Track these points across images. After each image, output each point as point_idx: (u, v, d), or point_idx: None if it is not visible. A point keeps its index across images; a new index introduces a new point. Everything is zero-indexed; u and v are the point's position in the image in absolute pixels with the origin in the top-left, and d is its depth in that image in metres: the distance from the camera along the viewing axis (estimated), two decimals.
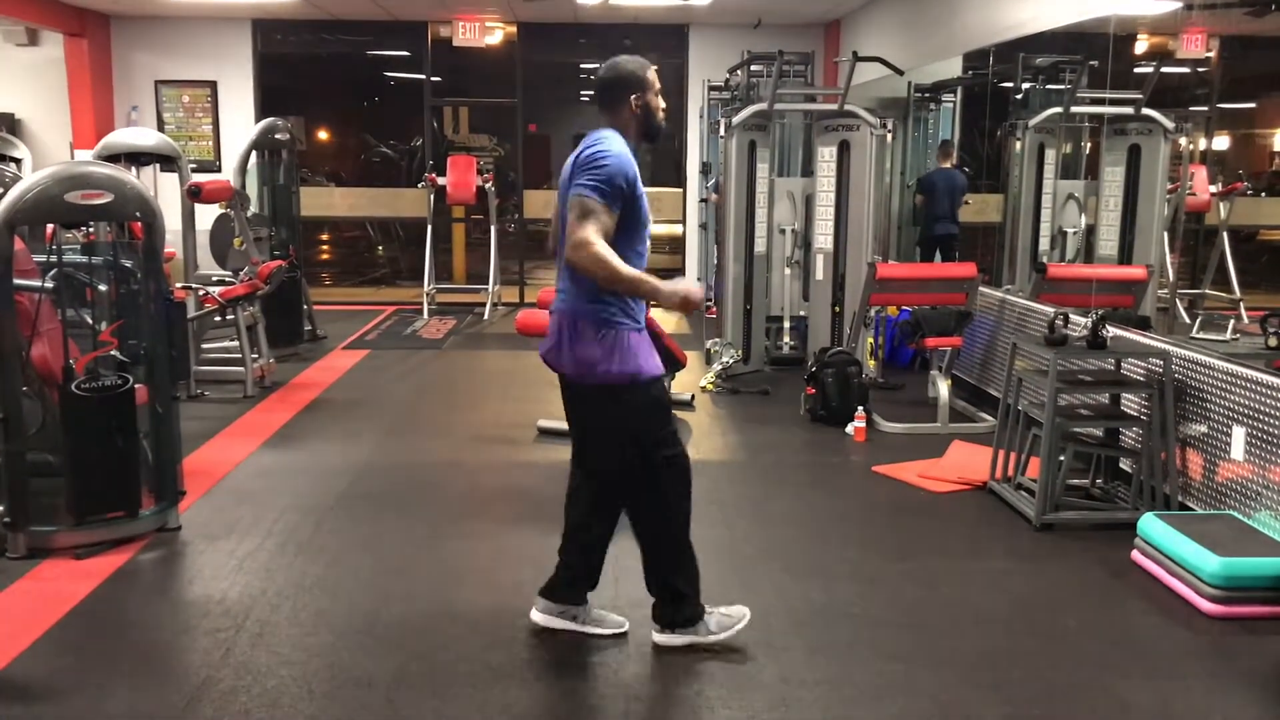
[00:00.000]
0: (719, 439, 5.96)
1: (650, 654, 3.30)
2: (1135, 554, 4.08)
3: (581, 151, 3.10)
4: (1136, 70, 6.09)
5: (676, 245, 11.55)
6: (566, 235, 3.05)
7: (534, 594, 3.50)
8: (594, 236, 2.96)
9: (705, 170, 10.22)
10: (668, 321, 9.23)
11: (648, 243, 3.24)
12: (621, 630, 3.42)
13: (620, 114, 3.20)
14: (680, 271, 11.07)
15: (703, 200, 10.36)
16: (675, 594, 3.32)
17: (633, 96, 3.18)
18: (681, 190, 11.25)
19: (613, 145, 3.09)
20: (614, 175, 3.01)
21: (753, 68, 8.88)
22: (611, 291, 3.06)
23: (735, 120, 7.27)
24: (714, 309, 8.84)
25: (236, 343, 6.90)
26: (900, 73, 7.90)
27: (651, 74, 3.23)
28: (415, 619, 3.55)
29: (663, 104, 3.26)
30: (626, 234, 3.09)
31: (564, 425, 5.89)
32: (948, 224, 8.37)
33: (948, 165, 8.50)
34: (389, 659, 3.25)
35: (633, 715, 2.99)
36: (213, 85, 10.87)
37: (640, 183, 3.14)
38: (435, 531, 4.42)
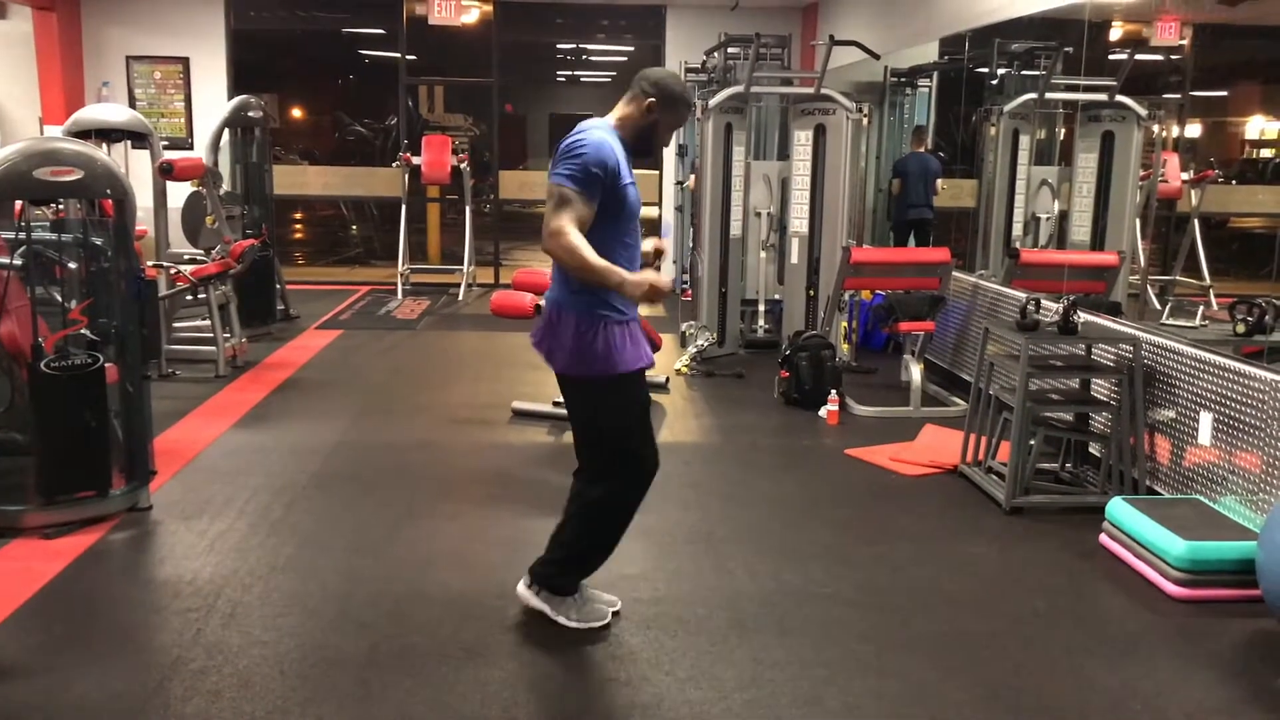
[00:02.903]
0: (693, 421, 5.97)
1: (624, 634, 3.31)
2: (1103, 537, 4.13)
3: (563, 141, 3.09)
4: (1111, 57, 6.11)
5: (652, 228, 11.54)
6: (544, 224, 3.05)
7: (508, 574, 3.49)
8: (568, 226, 2.98)
9: (681, 153, 10.20)
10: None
11: (638, 234, 3.23)
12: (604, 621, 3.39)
13: (633, 106, 3.18)
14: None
15: (679, 184, 10.34)
16: (565, 561, 3.33)
17: (650, 101, 3.14)
18: (658, 173, 11.24)
19: (593, 135, 3.07)
20: (590, 164, 3.00)
21: (729, 50, 8.85)
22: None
23: (712, 103, 7.26)
24: (689, 292, 8.85)
25: (208, 322, 6.84)
26: (877, 57, 7.91)
27: (685, 109, 3.23)
28: (388, 599, 3.54)
29: (671, 139, 3.27)
30: (611, 223, 3.09)
31: (538, 407, 5.96)
32: (921, 208, 8.41)
33: (921, 150, 8.53)
34: (361, 639, 3.25)
35: (606, 694, 3.00)
36: (185, 61, 10.73)
37: (627, 173, 3.11)
38: (408, 512, 4.41)
